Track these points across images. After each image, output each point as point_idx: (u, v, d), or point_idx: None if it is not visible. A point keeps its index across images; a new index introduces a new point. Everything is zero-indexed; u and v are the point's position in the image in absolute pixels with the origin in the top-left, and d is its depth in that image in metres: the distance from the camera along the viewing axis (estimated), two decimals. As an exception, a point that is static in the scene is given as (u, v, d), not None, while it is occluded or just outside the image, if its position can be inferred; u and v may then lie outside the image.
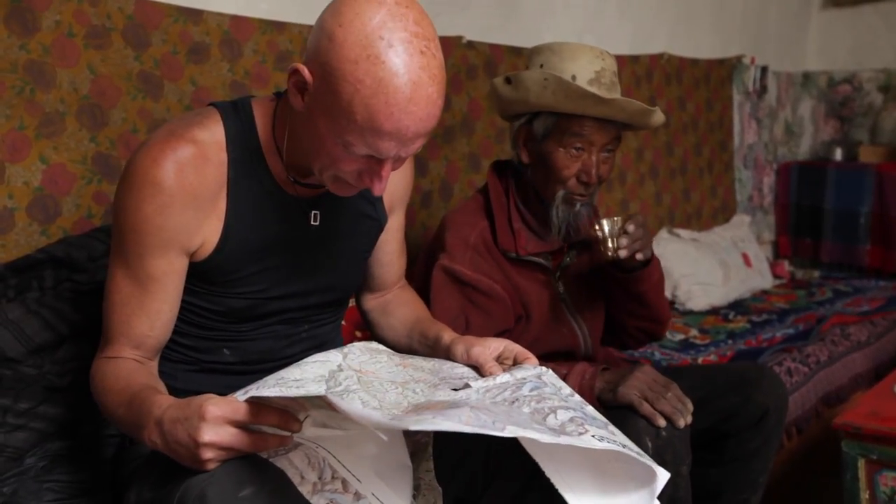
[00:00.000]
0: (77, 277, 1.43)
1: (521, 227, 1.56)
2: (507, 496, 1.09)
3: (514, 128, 1.56)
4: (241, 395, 0.90)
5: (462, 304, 1.50)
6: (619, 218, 1.46)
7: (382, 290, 1.37)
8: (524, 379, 0.99)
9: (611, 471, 0.86)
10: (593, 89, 1.44)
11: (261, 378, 0.92)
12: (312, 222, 1.15)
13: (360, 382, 0.95)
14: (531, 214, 1.57)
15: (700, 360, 2.31)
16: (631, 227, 1.45)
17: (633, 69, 2.96)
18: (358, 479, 0.89)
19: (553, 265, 1.61)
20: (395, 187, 1.26)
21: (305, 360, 1.00)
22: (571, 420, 0.86)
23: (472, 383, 0.99)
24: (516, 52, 2.49)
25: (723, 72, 3.44)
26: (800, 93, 3.98)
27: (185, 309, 1.11)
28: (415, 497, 1.06)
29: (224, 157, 1.06)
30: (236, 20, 1.84)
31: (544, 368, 1.04)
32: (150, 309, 1.05)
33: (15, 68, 1.49)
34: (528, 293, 1.56)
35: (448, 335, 1.19)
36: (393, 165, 1.00)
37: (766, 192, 3.83)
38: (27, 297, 1.39)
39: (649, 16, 3.03)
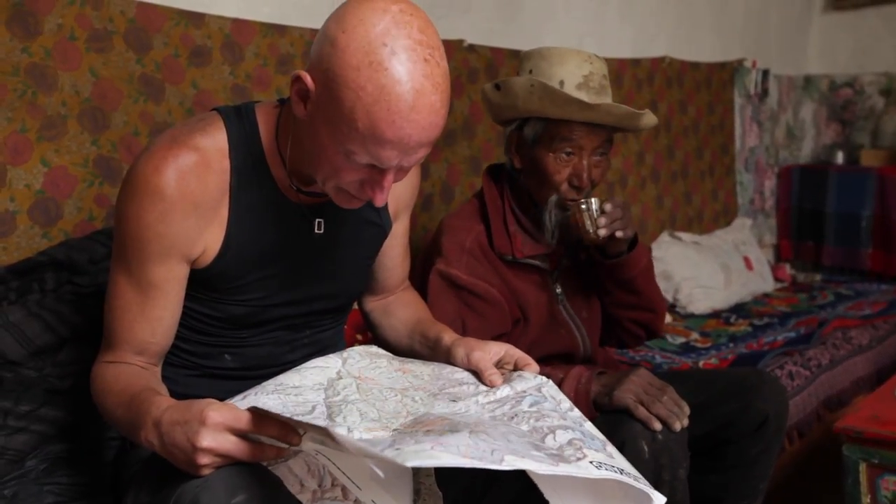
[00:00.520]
0: (78, 280, 1.43)
1: (516, 230, 1.56)
2: (506, 501, 1.10)
3: (506, 133, 1.56)
4: (240, 400, 0.90)
5: (459, 308, 1.50)
6: (596, 199, 1.46)
7: (385, 292, 1.36)
8: (524, 392, 0.99)
9: (607, 491, 0.86)
10: (581, 93, 1.44)
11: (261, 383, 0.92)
12: (317, 230, 1.14)
13: (359, 390, 0.95)
14: (526, 217, 1.57)
15: (701, 364, 2.30)
16: (608, 206, 1.45)
17: (635, 72, 2.95)
18: (358, 487, 0.89)
19: (550, 267, 1.61)
20: (401, 193, 1.25)
21: (305, 364, 1.00)
22: (570, 443, 0.86)
23: (471, 398, 0.98)
24: (518, 55, 2.48)
25: (724, 75, 3.44)
26: (801, 96, 3.97)
27: (187, 315, 1.11)
28: (415, 502, 1.06)
29: (227, 164, 1.06)
30: (238, 23, 1.84)
31: (544, 379, 1.04)
32: (152, 315, 1.05)
33: (17, 71, 1.49)
34: (525, 296, 1.56)
35: (449, 336, 1.19)
36: (395, 176, 0.99)
37: (768, 196, 3.82)
38: (28, 299, 1.39)
39: (650, 19, 3.03)
